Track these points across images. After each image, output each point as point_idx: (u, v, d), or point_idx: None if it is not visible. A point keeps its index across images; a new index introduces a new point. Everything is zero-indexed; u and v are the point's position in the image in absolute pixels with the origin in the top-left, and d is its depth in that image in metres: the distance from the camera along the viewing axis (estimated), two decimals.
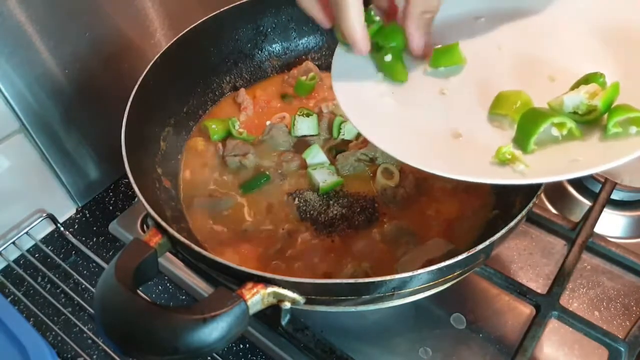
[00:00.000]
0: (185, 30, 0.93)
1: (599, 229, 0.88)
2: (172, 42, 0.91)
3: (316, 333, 0.78)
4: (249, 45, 1.07)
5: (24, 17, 0.82)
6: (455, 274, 0.67)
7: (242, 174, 0.92)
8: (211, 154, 0.95)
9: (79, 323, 0.87)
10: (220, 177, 0.92)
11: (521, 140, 0.60)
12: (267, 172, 0.91)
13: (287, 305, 0.63)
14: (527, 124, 0.59)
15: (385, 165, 0.90)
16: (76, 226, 1.03)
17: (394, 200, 0.86)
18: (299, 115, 0.96)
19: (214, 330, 0.54)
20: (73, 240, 0.99)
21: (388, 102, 0.70)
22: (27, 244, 0.98)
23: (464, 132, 0.64)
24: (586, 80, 0.60)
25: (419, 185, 0.87)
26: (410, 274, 0.61)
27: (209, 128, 0.96)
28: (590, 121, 0.58)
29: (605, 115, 0.57)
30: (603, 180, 0.92)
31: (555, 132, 0.58)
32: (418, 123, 0.67)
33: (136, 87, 0.83)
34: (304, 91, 1.05)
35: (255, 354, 0.83)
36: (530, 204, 0.68)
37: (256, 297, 0.59)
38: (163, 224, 0.66)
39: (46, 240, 1.00)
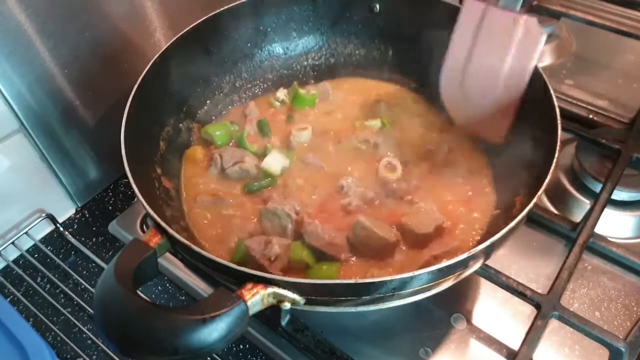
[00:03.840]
0: (185, 30, 0.93)
1: (599, 229, 0.88)
2: (172, 42, 0.91)
3: (316, 333, 0.78)
4: (249, 45, 1.07)
5: (23, 17, 0.82)
6: (455, 274, 0.67)
7: (244, 179, 0.92)
8: (211, 163, 0.93)
9: (78, 323, 0.87)
10: (222, 178, 0.92)
11: None
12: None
13: (287, 305, 0.63)
14: None
15: (389, 159, 0.89)
16: (75, 226, 1.03)
17: (395, 195, 0.86)
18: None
19: (214, 331, 0.54)
20: (72, 240, 0.99)
21: None
22: (27, 244, 0.98)
23: None
24: None
25: (421, 181, 0.87)
26: (410, 274, 0.60)
27: (212, 135, 0.96)
28: None
29: None
30: (603, 180, 0.92)
31: None
32: None
33: (136, 87, 0.82)
34: (301, 104, 1.04)
35: (255, 355, 0.83)
36: (531, 205, 0.68)
37: (256, 298, 0.59)
38: (163, 224, 0.65)
39: (45, 240, 1.00)
